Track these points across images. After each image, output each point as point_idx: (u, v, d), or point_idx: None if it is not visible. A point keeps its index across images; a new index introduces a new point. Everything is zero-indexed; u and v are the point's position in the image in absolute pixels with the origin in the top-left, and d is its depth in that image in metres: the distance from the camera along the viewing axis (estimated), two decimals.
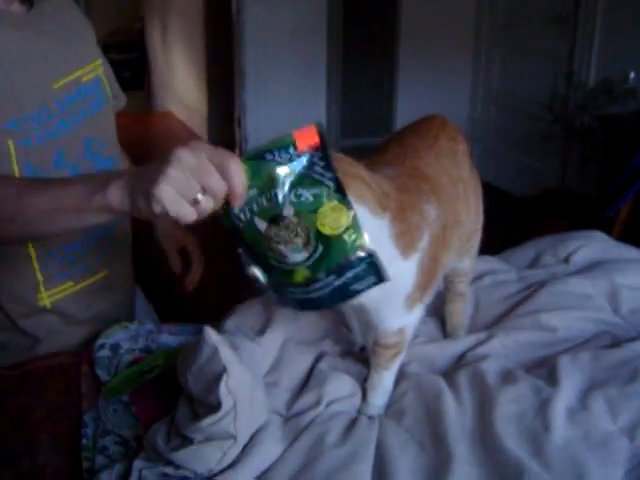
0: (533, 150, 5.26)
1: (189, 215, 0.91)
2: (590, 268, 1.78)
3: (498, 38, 5.71)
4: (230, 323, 1.45)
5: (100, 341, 1.43)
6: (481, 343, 1.48)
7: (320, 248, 0.96)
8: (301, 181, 0.93)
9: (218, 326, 1.42)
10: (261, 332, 1.42)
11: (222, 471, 1.09)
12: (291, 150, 0.93)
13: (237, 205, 0.94)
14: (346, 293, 1.01)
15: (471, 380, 1.34)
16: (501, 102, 5.68)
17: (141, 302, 1.84)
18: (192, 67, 7.42)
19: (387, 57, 5.64)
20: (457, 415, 1.25)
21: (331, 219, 0.94)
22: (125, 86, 1.77)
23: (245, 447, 1.13)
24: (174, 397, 1.22)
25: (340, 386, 1.32)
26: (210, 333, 1.12)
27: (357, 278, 0.99)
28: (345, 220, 0.95)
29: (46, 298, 1.51)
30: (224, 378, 1.07)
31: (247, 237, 0.98)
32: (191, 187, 0.89)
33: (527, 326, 1.53)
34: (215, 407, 1.07)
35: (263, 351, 1.36)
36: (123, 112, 1.74)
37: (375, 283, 1.01)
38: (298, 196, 0.93)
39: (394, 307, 1.22)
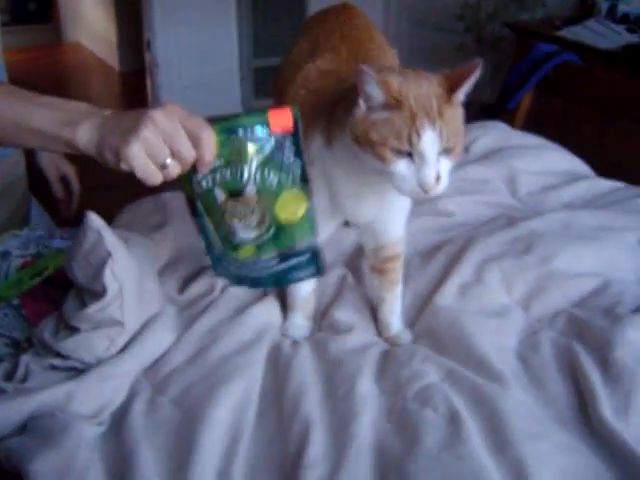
0: (446, 62, 5.21)
1: (155, 178, 0.90)
2: (489, 155, 1.80)
3: None
4: (121, 219, 1.42)
5: None
6: None
7: (272, 230, 0.96)
8: (269, 163, 0.93)
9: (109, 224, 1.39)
10: (155, 228, 1.40)
11: (110, 359, 1.07)
12: (263, 129, 0.92)
13: (202, 173, 0.92)
14: (284, 279, 1.02)
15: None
16: (413, 16, 5.62)
17: (36, 209, 1.79)
18: None
19: None
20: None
21: (290, 206, 0.95)
22: (31, 18, 1.67)
23: (135, 336, 1.12)
24: (65, 298, 1.19)
25: None
26: (93, 218, 1.09)
27: (298, 267, 1.01)
28: (302, 210, 0.96)
29: None
30: (109, 263, 1.05)
31: (203, 205, 0.97)
32: (161, 151, 0.88)
33: (424, 212, 1.54)
34: (101, 294, 1.05)
35: (158, 246, 1.34)
36: (30, 46, 1.62)
37: (313, 275, 1.03)
38: (263, 176, 0.93)
39: (405, 210, 1.21)
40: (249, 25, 5.36)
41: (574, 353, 1.11)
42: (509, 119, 2.20)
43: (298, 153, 0.93)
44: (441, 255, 1.40)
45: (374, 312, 1.29)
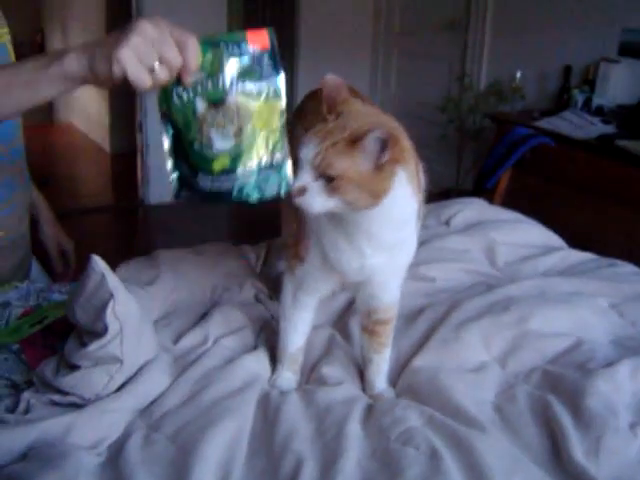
0: (431, 152, 5.41)
1: (145, 81, 0.98)
2: (468, 228, 1.89)
3: (394, 44, 5.89)
4: (117, 275, 1.48)
5: None
6: None
7: (247, 141, 1.03)
8: (248, 74, 1.01)
9: None
10: (149, 283, 1.47)
11: (108, 395, 1.13)
12: (243, 45, 1.01)
13: (188, 81, 1.00)
14: (253, 193, 1.06)
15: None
16: (399, 107, 5.83)
17: (35, 265, 1.86)
18: None
19: (285, 63, 5.72)
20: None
21: (267, 117, 1.03)
22: None
23: (132, 376, 1.17)
24: (64, 345, 1.24)
25: (226, 320, 1.39)
26: (97, 261, 1.15)
27: (267, 181, 1.06)
28: (277, 122, 1.04)
29: None
30: (111, 304, 1.11)
31: (180, 120, 1.03)
32: (150, 55, 0.97)
33: (407, 277, 1.61)
34: (102, 333, 1.11)
35: (153, 299, 1.41)
36: (24, 126, 1.71)
37: (279, 193, 1.07)
38: (244, 86, 1.01)
39: (398, 277, 1.27)
40: None
41: (547, 403, 1.17)
42: (488, 198, 2.32)
43: (276, 68, 1.03)
44: (423, 319, 1.47)
45: (360, 369, 1.35)
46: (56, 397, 1.11)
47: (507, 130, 3.94)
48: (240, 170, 1.04)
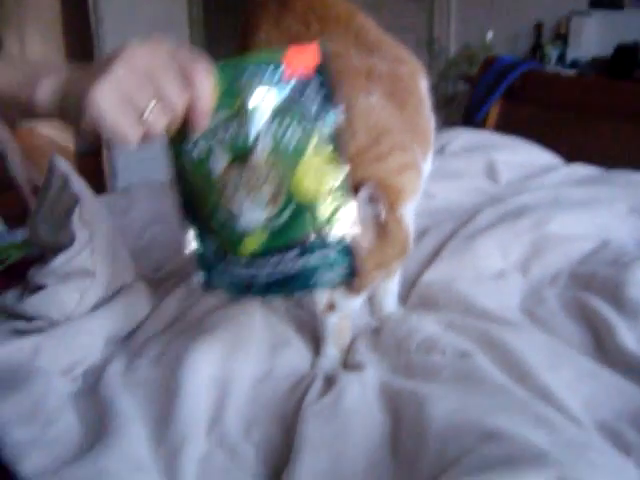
0: None
1: (130, 133, 0.63)
2: (466, 151, 1.75)
3: None
4: None
5: None
6: None
7: (289, 209, 0.70)
8: (287, 114, 0.69)
9: None
10: (120, 214, 1.32)
11: (81, 315, 0.96)
12: (281, 70, 0.69)
13: (199, 128, 0.68)
14: (305, 282, 0.74)
15: None
16: None
17: None
18: None
19: None
20: None
21: (316, 174, 0.70)
22: None
23: (108, 297, 1.01)
24: None
25: None
26: (59, 162, 0.98)
27: (325, 265, 0.73)
28: (332, 180, 0.71)
29: None
30: (77, 209, 0.94)
31: (196, 181, 0.72)
32: (141, 93, 0.63)
33: None
34: (69, 244, 0.94)
35: (128, 226, 1.25)
36: None
37: (345, 277, 0.75)
38: (279, 132, 0.69)
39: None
40: None
41: (583, 300, 1.05)
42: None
43: (328, 98, 0.70)
44: (430, 237, 1.32)
45: None
46: (20, 324, 0.94)
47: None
48: (284, 249, 0.72)
